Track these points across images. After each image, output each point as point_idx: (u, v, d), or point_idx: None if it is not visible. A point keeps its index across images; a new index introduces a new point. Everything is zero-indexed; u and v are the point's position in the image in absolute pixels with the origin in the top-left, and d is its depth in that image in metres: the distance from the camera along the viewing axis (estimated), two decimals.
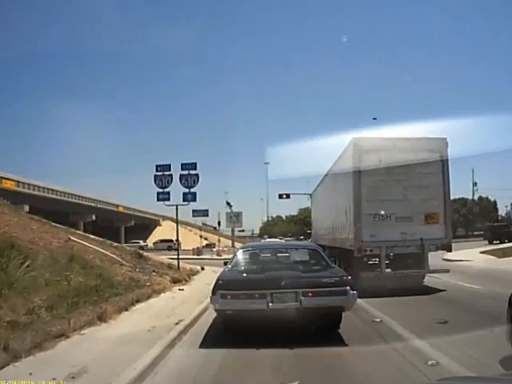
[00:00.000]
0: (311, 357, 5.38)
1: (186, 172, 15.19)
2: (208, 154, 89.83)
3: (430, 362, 4.91)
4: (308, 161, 22.53)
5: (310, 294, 6.05)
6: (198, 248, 39.56)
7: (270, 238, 48.02)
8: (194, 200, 15.19)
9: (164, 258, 17.78)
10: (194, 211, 38.02)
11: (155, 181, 15.12)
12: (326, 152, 16.41)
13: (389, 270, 11.39)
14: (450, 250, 11.65)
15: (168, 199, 15.31)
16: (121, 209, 68.62)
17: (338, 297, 6.13)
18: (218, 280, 6.50)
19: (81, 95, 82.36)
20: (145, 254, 15.76)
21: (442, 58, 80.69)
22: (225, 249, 37.98)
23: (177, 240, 17.21)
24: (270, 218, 77.40)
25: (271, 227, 72.72)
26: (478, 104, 66.43)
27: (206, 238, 63.24)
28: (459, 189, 59.56)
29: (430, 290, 11.10)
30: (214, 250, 39.77)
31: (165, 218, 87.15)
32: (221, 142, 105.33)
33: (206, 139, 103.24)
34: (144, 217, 77.32)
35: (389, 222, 11.22)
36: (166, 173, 15.17)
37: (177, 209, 15.42)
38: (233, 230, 27.52)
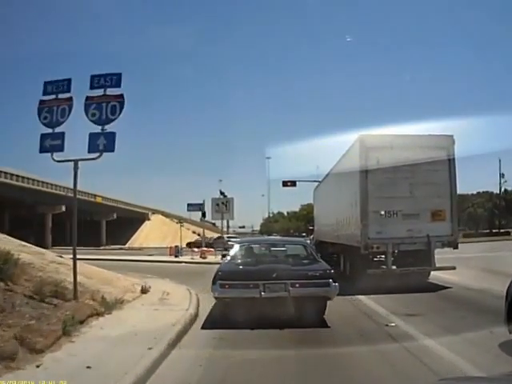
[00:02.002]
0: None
1: (98, 92, 8.64)
2: (208, 153, 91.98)
3: None
4: (310, 158, 23.60)
5: (297, 285, 7.71)
6: (176, 247, 32.40)
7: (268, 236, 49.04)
8: (111, 149, 8.41)
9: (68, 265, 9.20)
10: (189, 205, 38.54)
11: (40, 113, 8.70)
12: (328, 150, 17.54)
13: (394, 266, 12.57)
14: (456, 247, 12.80)
15: (60, 148, 8.56)
16: (98, 199, 62.30)
17: (322, 288, 7.83)
18: (218, 271, 8.21)
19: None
20: (26, 260, 8.61)
21: (457, 56, 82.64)
22: (211, 249, 32.08)
23: (69, 232, 9.58)
24: (271, 215, 78.62)
25: (272, 224, 74.03)
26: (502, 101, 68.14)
27: (199, 234, 63.79)
28: (486, 183, 60.37)
29: None
30: (197, 250, 32.44)
31: (155, 211, 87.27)
32: (222, 139, 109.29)
33: (205, 137, 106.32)
34: (129, 209, 75.10)
35: (395, 218, 12.40)
36: (60, 96, 8.70)
37: (75, 166, 8.60)
38: (228, 225, 24.49)
